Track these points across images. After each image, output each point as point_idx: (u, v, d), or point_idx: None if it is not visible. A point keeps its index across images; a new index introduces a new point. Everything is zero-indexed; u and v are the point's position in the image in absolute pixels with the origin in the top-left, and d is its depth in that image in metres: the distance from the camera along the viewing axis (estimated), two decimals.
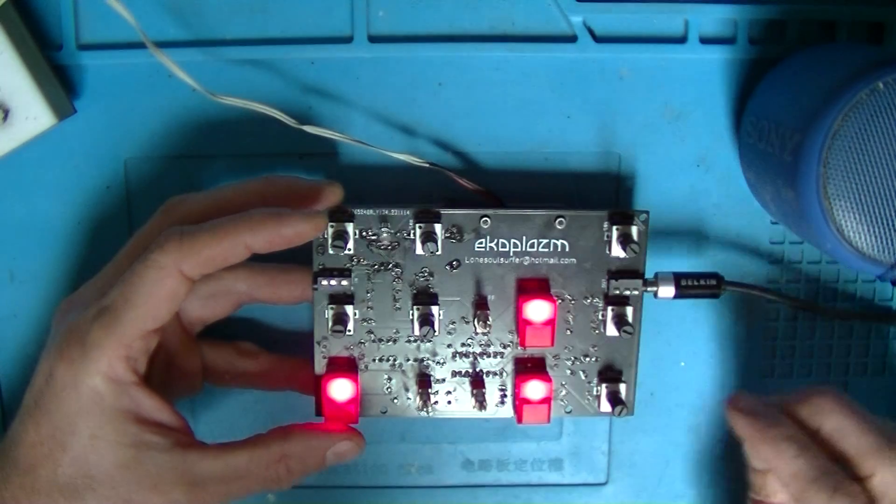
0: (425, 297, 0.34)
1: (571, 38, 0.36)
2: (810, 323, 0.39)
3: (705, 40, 0.37)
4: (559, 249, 0.34)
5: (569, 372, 0.35)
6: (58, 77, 0.34)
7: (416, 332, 0.34)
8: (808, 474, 0.30)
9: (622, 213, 0.34)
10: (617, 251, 0.34)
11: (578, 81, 0.37)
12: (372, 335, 0.35)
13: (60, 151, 0.36)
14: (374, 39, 0.36)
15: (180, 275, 0.29)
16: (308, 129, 0.34)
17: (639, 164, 0.38)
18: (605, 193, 0.38)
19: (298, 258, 0.34)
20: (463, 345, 0.35)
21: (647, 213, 0.34)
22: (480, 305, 0.34)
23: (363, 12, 0.36)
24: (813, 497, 0.30)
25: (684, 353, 0.39)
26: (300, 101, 0.36)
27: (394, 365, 0.35)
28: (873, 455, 0.30)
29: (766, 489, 0.33)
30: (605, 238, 0.34)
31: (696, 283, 0.34)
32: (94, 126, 0.36)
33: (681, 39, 0.36)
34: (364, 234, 0.33)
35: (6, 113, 0.34)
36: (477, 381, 0.35)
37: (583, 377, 0.35)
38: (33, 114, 0.34)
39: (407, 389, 0.35)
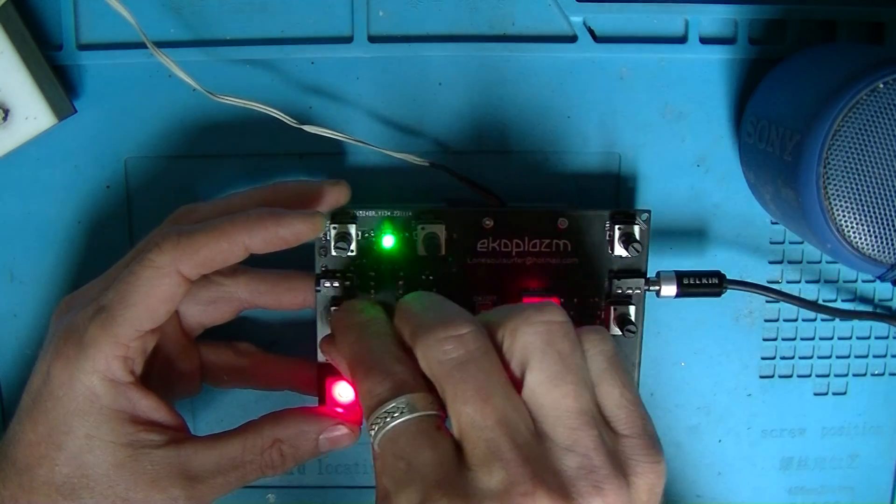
0: None
1: (571, 38, 0.36)
2: (810, 323, 0.39)
3: (705, 40, 0.37)
4: (561, 249, 0.34)
5: None
6: (58, 77, 0.34)
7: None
8: (355, 356, 0.28)
9: (624, 213, 0.34)
10: (619, 250, 0.34)
11: (578, 81, 0.37)
12: None
13: (60, 151, 0.36)
14: (374, 39, 0.36)
15: (178, 275, 0.29)
16: (308, 128, 0.34)
17: (639, 164, 0.38)
18: (605, 193, 0.38)
19: (301, 262, 0.34)
20: None
21: (648, 212, 0.34)
22: (483, 306, 0.34)
23: (363, 12, 0.36)
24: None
25: (684, 353, 0.39)
26: (300, 101, 0.36)
27: None
28: (410, 337, 0.28)
29: None
30: (608, 237, 0.34)
31: (697, 281, 0.34)
32: (94, 126, 0.36)
33: (681, 39, 0.37)
34: (366, 235, 0.33)
35: (6, 113, 0.34)
36: None
37: None
38: (33, 114, 0.34)
39: None
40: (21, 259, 0.37)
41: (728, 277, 0.34)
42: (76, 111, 0.35)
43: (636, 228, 0.34)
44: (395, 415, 0.26)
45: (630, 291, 0.34)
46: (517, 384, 0.26)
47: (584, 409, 0.25)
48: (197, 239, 0.29)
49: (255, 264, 0.33)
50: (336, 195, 0.32)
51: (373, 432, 0.26)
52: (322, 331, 0.34)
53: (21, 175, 0.36)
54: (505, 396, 0.25)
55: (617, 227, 0.33)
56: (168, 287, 0.29)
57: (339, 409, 0.33)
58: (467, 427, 0.25)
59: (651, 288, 0.34)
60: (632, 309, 0.34)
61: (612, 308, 0.34)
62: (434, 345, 0.26)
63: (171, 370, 0.34)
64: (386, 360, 0.27)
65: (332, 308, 0.33)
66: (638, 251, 0.33)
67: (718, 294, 0.34)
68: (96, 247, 0.37)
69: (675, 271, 0.34)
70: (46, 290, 0.37)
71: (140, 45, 0.33)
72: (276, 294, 0.35)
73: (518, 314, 0.27)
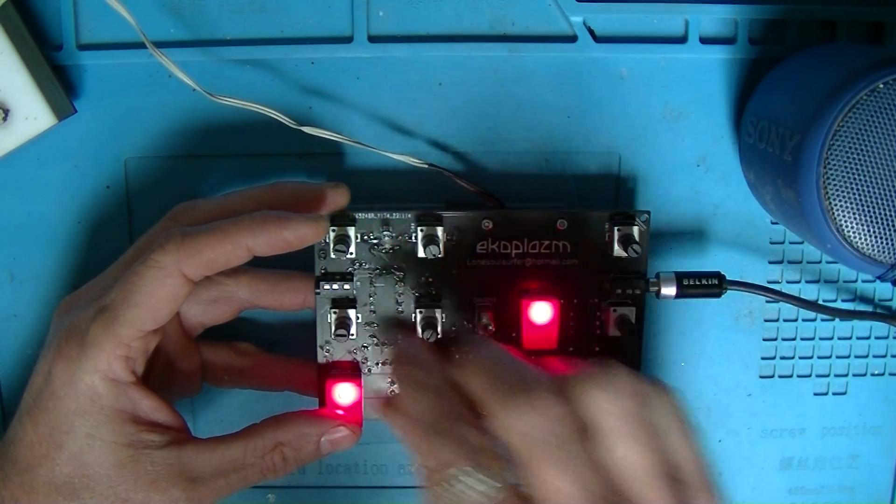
0: (427, 300, 0.34)
1: (571, 38, 0.36)
2: (810, 323, 0.39)
3: (705, 40, 0.37)
4: (561, 250, 0.34)
5: None
6: (58, 77, 0.34)
7: (419, 335, 0.34)
8: (421, 417, 0.27)
9: (623, 214, 0.34)
10: (619, 251, 0.34)
11: (578, 81, 0.37)
12: (375, 339, 0.35)
13: (60, 151, 0.36)
14: (374, 39, 0.36)
15: (181, 276, 0.29)
16: (307, 129, 0.34)
17: (639, 164, 0.38)
18: (605, 194, 0.38)
19: (299, 264, 0.34)
20: None
21: (648, 213, 0.34)
22: (483, 307, 0.34)
23: (363, 12, 0.36)
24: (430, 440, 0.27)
25: (684, 353, 0.39)
26: (300, 102, 0.36)
27: None
28: (487, 399, 0.27)
29: None
30: (607, 238, 0.34)
31: (697, 282, 0.34)
32: (94, 126, 0.36)
33: (681, 39, 0.37)
34: (366, 237, 0.33)
35: (6, 113, 0.34)
36: None
37: None
38: (33, 114, 0.34)
39: None
40: (21, 259, 0.37)
41: (728, 278, 0.35)
42: (76, 111, 0.35)
43: (635, 229, 0.33)
44: (478, 487, 0.25)
45: (630, 292, 0.34)
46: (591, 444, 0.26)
47: (661, 468, 0.26)
48: (201, 240, 0.29)
49: (256, 265, 0.33)
50: (336, 198, 0.32)
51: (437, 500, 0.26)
52: (322, 333, 0.34)
53: (21, 175, 0.36)
54: (587, 467, 0.25)
55: (616, 228, 0.33)
56: (171, 287, 0.29)
57: (340, 412, 0.33)
58: (553, 498, 0.25)
59: (651, 289, 0.34)
60: (632, 310, 0.34)
61: (611, 309, 0.34)
62: (519, 416, 0.26)
63: (171, 370, 0.34)
64: (454, 423, 0.27)
65: (334, 311, 0.33)
66: (637, 252, 0.33)
67: (718, 295, 0.34)
68: (96, 247, 0.37)
69: (675, 272, 0.34)
70: (46, 290, 0.37)
71: (140, 45, 0.33)
72: (276, 294, 0.35)
73: (591, 378, 0.27)
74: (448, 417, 0.27)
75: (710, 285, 0.34)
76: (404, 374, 0.30)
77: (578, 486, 0.25)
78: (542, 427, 0.25)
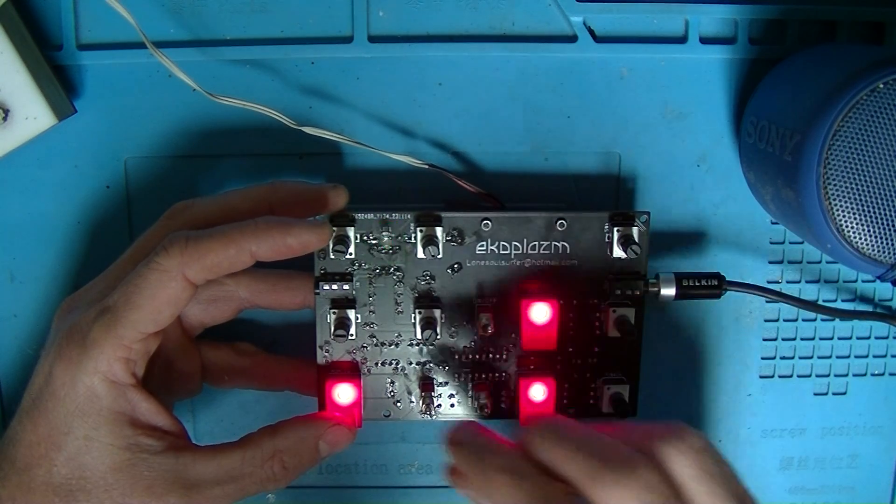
0: (427, 301, 0.34)
1: (571, 38, 0.36)
2: (810, 323, 0.39)
3: (705, 40, 0.37)
4: (560, 251, 0.34)
5: (571, 373, 0.35)
6: (58, 77, 0.34)
7: (419, 336, 0.34)
8: (519, 502, 0.28)
9: (623, 215, 0.34)
10: (618, 252, 0.34)
11: (578, 81, 0.37)
12: (374, 339, 0.35)
13: (60, 151, 0.36)
14: (374, 39, 0.36)
15: (184, 279, 0.29)
16: (307, 130, 0.34)
17: (639, 164, 0.38)
18: (605, 194, 0.38)
19: (299, 264, 0.34)
20: (465, 347, 0.35)
21: (647, 213, 0.34)
22: (482, 308, 0.34)
23: (363, 12, 0.36)
24: None
25: (684, 353, 0.39)
26: (300, 102, 0.36)
27: (396, 368, 0.35)
28: (584, 481, 0.27)
29: None
30: (606, 239, 0.34)
31: (697, 283, 0.34)
32: (94, 126, 0.36)
33: (681, 39, 0.36)
34: (365, 238, 0.33)
35: (6, 113, 0.34)
36: (480, 384, 0.35)
37: (585, 378, 0.35)
38: (33, 114, 0.34)
39: (410, 393, 0.35)
40: (21, 259, 0.37)
41: (727, 279, 0.35)
42: (76, 111, 0.35)
43: (635, 230, 0.33)
44: None
45: (629, 293, 0.34)
46: None
47: None
48: (204, 244, 0.29)
49: (255, 266, 0.33)
50: (334, 199, 0.32)
51: None
52: (321, 333, 0.34)
53: (21, 175, 0.36)
54: None
55: (616, 228, 0.33)
56: (173, 291, 0.29)
57: (338, 414, 0.33)
58: None
59: (650, 290, 0.34)
60: (631, 311, 0.34)
61: (611, 310, 0.34)
62: (622, 493, 0.26)
63: (171, 370, 0.34)
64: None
65: (333, 311, 0.33)
66: (637, 253, 0.33)
67: (718, 296, 0.34)
68: (96, 247, 0.37)
69: (675, 273, 0.34)
70: (46, 290, 0.37)
71: (140, 45, 0.33)
72: (275, 293, 0.35)
73: (670, 444, 0.28)
74: (543, 499, 0.27)
75: (709, 286, 0.34)
76: (485, 462, 0.29)
77: None
78: (647, 500, 0.26)
